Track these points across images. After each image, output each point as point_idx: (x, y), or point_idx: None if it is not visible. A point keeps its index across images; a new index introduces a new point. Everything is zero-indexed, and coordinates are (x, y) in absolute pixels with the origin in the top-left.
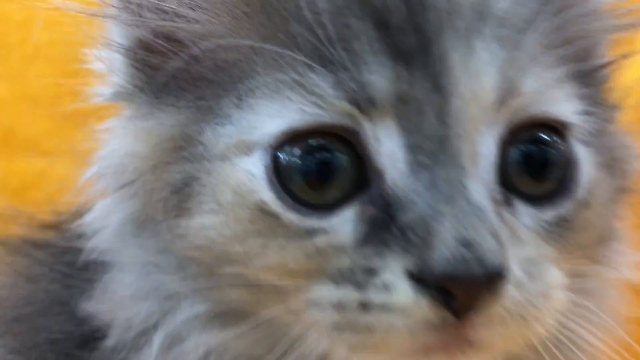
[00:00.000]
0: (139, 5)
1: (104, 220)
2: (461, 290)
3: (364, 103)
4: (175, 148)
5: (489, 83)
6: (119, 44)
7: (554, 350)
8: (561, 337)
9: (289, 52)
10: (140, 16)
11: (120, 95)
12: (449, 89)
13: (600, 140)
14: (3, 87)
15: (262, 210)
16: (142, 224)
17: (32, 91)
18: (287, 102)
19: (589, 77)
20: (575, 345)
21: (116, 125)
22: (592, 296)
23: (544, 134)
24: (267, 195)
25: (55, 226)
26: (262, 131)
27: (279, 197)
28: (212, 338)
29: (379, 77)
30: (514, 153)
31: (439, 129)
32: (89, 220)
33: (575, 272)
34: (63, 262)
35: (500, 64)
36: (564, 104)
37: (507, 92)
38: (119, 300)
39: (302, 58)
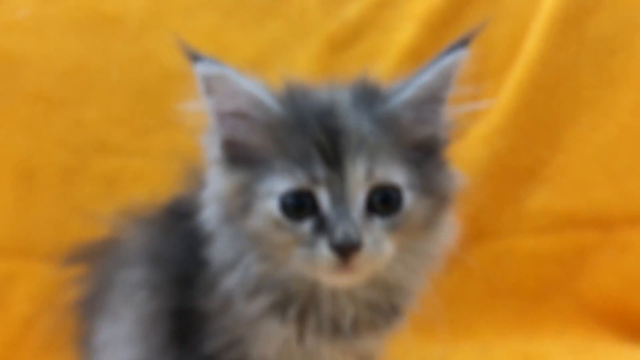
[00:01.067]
0: (228, 124)
1: (210, 214)
2: (345, 250)
3: (314, 181)
4: (243, 189)
5: (361, 174)
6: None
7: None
8: (391, 279)
9: (288, 161)
10: (228, 133)
11: (216, 160)
12: (345, 177)
13: (427, 177)
14: (94, 110)
15: (276, 221)
16: (227, 219)
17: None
18: (286, 178)
19: (423, 147)
20: (401, 283)
21: (215, 173)
22: (418, 256)
23: (388, 189)
24: (278, 215)
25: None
26: (277, 189)
27: (284, 216)
28: (262, 268)
29: (319, 172)
30: (375, 197)
31: (341, 192)
32: (206, 215)
33: (406, 243)
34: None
35: (366, 165)
36: (397, 176)
37: (369, 176)
38: (219, 251)
39: (292, 165)
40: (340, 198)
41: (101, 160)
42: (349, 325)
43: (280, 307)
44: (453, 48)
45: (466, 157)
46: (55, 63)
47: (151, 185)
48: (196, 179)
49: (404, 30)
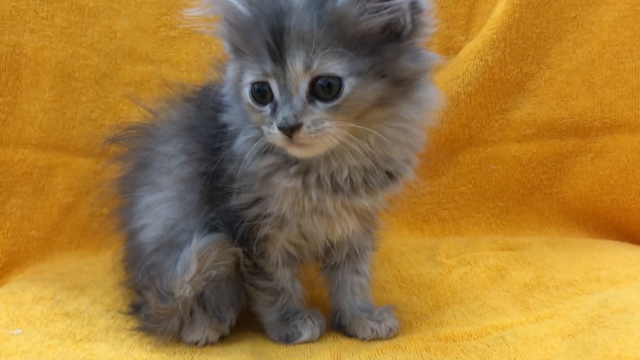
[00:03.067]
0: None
1: (227, 91)
2: (288, 130)
3: (266, 74)
4: (238, 76)
5: (300, 67)
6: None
7: (337, 154)
8: (341, 148)
9: (251, 57)
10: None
11: (227, 51)
12: (287, 69)
13: (383, 62)
14: (124, 21)
15: (249, 104)
16: (235, 95)
17: (143, 24)
18: (251, 71)
19: (377, 35)
20: (384, 153)
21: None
22: (394, 130)
23: (328, 78)
24: (249, 99)
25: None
26: (247, 80)
27: (252, 100)
28: (257, 134)
29: (268, 67)
30: (318, 84)
31: (285, 82)
32: (224, 91)
33: (369, 121)
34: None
35: (304, 60)
36: (336, 67)
37: (307, 68)
38: (231, 117)
39: (253, 61)
40: (284, 87)
41: (130, 67)
42: (346, 185)
43: (283, 166)
44: None
45: (462, 68)
46: None
47: (173, 90)
48: (221, 69)
49: None
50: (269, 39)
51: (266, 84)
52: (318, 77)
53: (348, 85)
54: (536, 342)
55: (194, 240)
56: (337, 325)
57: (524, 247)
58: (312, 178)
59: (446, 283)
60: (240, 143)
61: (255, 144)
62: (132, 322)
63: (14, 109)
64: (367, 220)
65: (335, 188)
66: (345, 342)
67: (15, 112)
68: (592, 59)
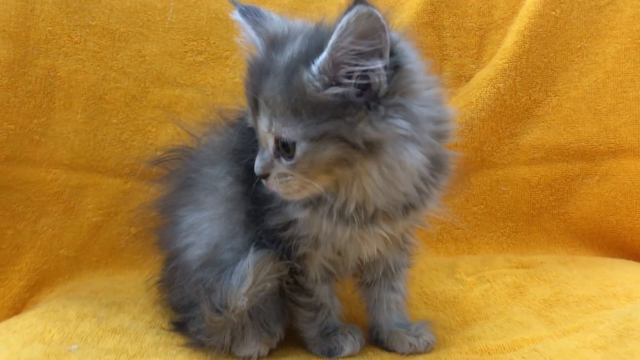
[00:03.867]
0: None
1: None
2: (259, 177)
3: (251, 124)
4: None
5: (265, 127)
6: None
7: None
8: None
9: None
10: None
11: None
12: (259, 126)
13: (344, 126)
14: (153, 46)
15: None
16: None
17: (171, 49)
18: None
19: (341, 102)
20: (377, 200)
21: None
22: (375, 181)
23: (284, 140)
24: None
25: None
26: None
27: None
28: None
29: (250, 118)
30: (279, 143)
31: (259, 136)
32: None
33: (327, 172)
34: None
35: (267, 121)
36: (290, 131)
37: (270, 129)
38: None
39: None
40: (259, 140)
41: (159, 90)
42: (358, 216)
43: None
44: (349, 8)
45: (475, 95)
46: (122, 0)
47: (200, 113)
48: None
49: None
50: (250, 95)
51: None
52: (277, 138)
53: (299, 149)
54: (570, 355)
55: (250, 253)
56: (375, 340)
57: (537, 265)
58: (323, 209)
59: (469, 300)
60: None
61: None
62: (178, 339)
63: (47, 130)
64: (395, 242)
65: (347, 219)
66: (386, 356)
67: (48, 134)
68: (597, 88)
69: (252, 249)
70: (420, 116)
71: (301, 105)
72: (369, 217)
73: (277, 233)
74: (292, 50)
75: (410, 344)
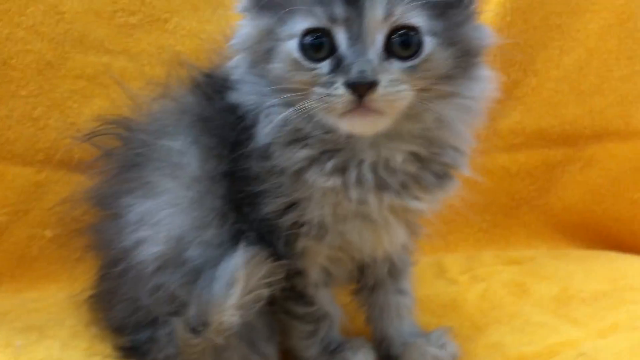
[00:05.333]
0: None
1: (237, 63)
2: (359, 88)
3: (333, 20)
4: (267, 33)
5: (380, 14)
6: None
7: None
8: (429, 132)
9: (309, 2)
10: None
11: (244, 8)
12: (364, 16)
13: (450, 29)
14: (73, 1)
15: (295, 61)
16: (252, 65)
17: (96, 7)
18: (306, 17)
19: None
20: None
21: (243, 23)
22: (455, 109)
23: (407, 31)
24: (297, 54)
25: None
26: (297, 29)
27: (302, 56)
28: (285, 113)
29: (338, 10)
30: (394, 39)
31: (359, 31)
32: (232, 64)
33: (434, 96)
34: (219, 83)
35: (385, 5)
36: (415, 18)
37: (388, 16)
38: (243, 95)
39: (312, 4)
40: (357, 37)
41: (82, 57)
42: (395, 180)
43: (318, 161)
44: None
45: None
46: None
47: (136, 88)
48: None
49: None
50: None
51: (327, 34)
52: (396, 29)
53: (429, 43)
54: (626, 356)
55: (239, 251)
56: (386, 357)
57: (528, 261)
58: (352, 174)
59: (470, 302)
60: (262, 130)
61: (283, 129)
62: None
63: None
64: (414, 230)
65: (380, 185)
66: None
67: None
68: (579, 67)
69: (241, 246)
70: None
71: None
72: (406, 184)
73: (273, 221)
74: None
75: (434, 357)
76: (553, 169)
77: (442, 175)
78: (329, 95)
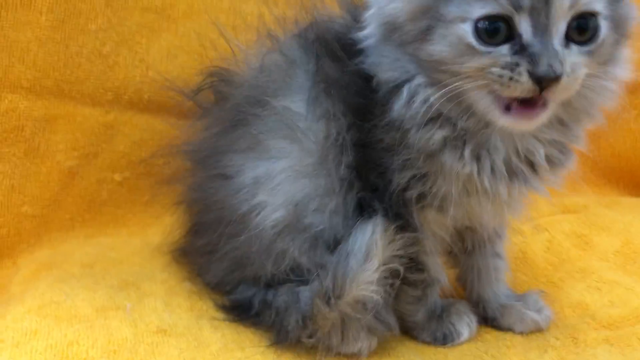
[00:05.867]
0: None
1: (371, 33)
2: (546, 81)
3: (517, 6)
4: (425, 10)
5: (567, 2)
6: None
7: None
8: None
9: None
10: None
11: None
12: (552, 4)
13: (614, 10)
14: None
15: (469, 46)
16: (400, 43)
17: None
18: (486, 2)
19: None
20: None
21: None
22: (597, 91)
23: (587, 16)
24: (472, 39)
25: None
26: (472, 13)
27: (477, 40)
28: (429, 93)
29: None
30: (573, 24)
31: (544, 20)
32: (365, 33)
33: (595, 71)
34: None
35: None
36: (597, 4)
37: (573, 3)
38: (382, 68)
39: None
40: (543, 26)
41: None
42: (526, 166)
43: (454, 144)
44: None
45: None
46: None
47: (205, 21)
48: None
49: None
50: None
51: (506, 20)
52: (577, 16)
53: (604, 27)
54: None
55: (372, 223)
56: (483, 319)
57: (582, 210)
58: (487, 162)
59: (538, 254)
60: (400, 106)
61: (424, 108)
62: (251, 336)
63: None
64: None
65: (512, 173)
66: (512, 339)
67: None
68: None
69: (376, 218)
70: None
71: None
72: (537, 167)
73: (400, 191)
74: None
75: (533, 321)
76: (607, 115)
77: (566, 152)
78: (511, 78)
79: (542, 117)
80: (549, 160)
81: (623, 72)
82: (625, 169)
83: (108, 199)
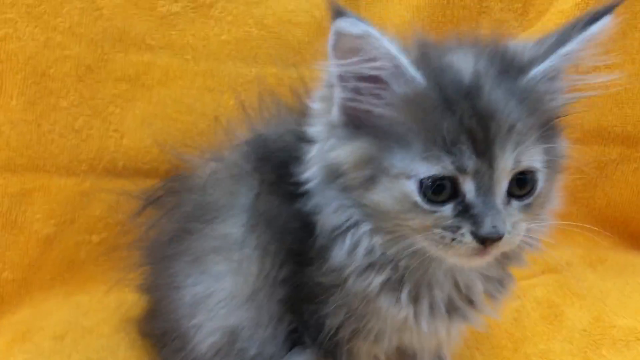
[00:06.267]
0: (355, 90)
1: (314, 175)
2: (489, 241)
3: (461, 170)
4: (368, 160)
5: (509, 164)
6: (339, 101)
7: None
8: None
9: (431, 144)
10: (354, 100)
11: (332, 122)
12: (495, 168)
13: (550, 155)
14: None
15: (414, 203)
16: (344, 188)
17: None
18: (431, 164)
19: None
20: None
21: (333, 143)
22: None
23: (526, 173)
24: (417, 198)
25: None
26: (418, 172)
27: (423, 200)
28: (374, 241)
29: (469, 162)
30: (513, 182)
31: (488, 181)
32: (308, 175)
33: (533, 220)
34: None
35: (514, 154)
36: (536, 162)
37: (516, 164)
38: (324, 213)
39: (438, 150)
40: (486, 187)
41: (122, 56)
42: (464, 302)
43: (392, 287)
44: (598, 15)
45: None
46: None
47: (180, 87)
48: (279, 115)
49: None
50: (474, 127)
51: (451, 180)
52: (518, 174)
53: (541, 179)
54: None
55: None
56: None
57: (564, 269)
58: (425, 303)
59: (503, 327)
60: (342, 252)
61: (367, 256)
62: None
63: None
64: None
65: (450, 309)
66: None
67: None
68: None
69: (307, 352)
70: None
71: (537, 125)
72: (478, 298)
73: (332, 327)
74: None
75: None
76: (605, 167)
77: (507, 278)
78: (454, 239)
79: (492, 257)
80: (488, 294)
81: (554, 204)
82: (620, 219)
83: (87, 258)
